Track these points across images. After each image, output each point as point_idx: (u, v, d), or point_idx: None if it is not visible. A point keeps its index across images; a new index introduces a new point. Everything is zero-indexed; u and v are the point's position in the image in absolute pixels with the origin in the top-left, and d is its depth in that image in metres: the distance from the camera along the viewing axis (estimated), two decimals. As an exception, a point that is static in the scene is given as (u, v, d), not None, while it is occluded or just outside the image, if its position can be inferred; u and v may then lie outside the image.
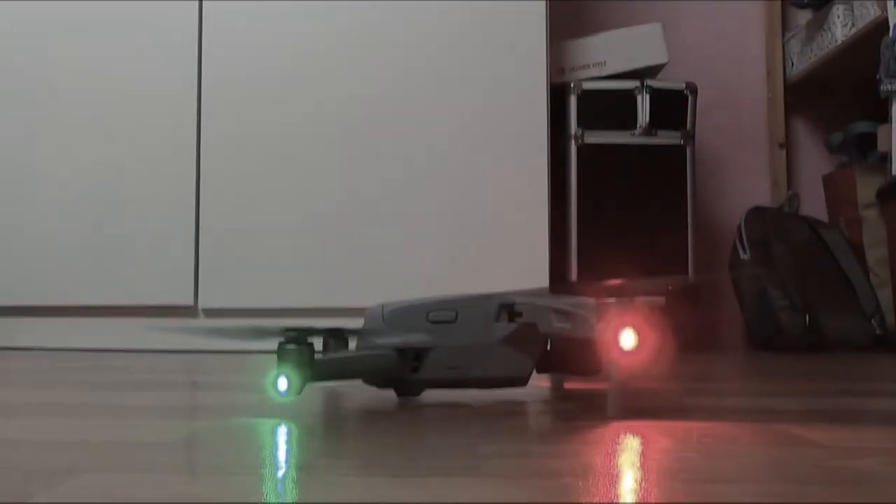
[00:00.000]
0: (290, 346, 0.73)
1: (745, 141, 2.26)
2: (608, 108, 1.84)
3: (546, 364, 0.86)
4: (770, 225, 1.98)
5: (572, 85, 1.84)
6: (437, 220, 1.70)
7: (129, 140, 1.73)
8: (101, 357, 1.51)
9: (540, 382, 1.00)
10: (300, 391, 0.73)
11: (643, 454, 0.54)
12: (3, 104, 1.76)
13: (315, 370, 0.74)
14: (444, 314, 0.79)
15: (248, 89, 1.72)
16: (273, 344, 0.77)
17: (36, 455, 0.53)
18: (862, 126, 2.02)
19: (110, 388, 0.96)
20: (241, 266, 1.70)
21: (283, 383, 0.73)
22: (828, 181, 2.13)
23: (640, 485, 0.45)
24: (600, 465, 0.50)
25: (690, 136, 1.86)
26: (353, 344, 0.82)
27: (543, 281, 1.67)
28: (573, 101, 1.84)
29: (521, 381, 0.80)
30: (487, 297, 0.79)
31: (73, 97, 1.74)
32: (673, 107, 1.86)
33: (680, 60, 2.18)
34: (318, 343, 0.77)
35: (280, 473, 0.48)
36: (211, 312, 1.71)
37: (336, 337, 0.81)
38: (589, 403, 0.82)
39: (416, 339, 0.78)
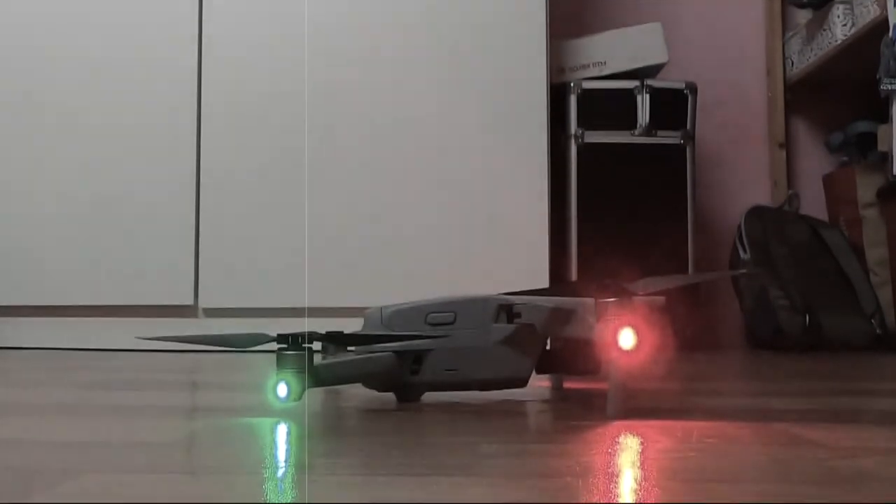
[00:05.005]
0: (289, 352, 0.73)
1: (744, 141, 2.25)
2: (608, 107, 1.84)
3: (545, 364, 0.86)
4: (770, 225, 1.98)
5: (572, 84, 1.84)
6: (436, 219, 1.70)
7: (129, 140, 1.73)
8: (101, 357, 1.51)
9: (539, 382, 1.00)
10: (300, 397, 0.73)
11: (643, 454, 0.54)
12: (2, 104, 1.76)
13: (314, 375, 0.74)
14: (442, 316, 0.78)
15: (248, 89, 1.72)
16: (272, 344, 0.77)
17: (35, 455, 0.53)
18: (862, 125, 2.02)
19: (110, 388, 0.96)
20: (241, 266, 1.70)
21: (282, 389, 0.73)
22: (828, 181, 2.13)
23: (640, 484, 0.45)
24: (600, 464, 0.50)
25: (690, 136, 1.86)
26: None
27: (543, 281, 1.67)
28: (573, 100, 1.84)
29: (521, 381, 0.80)
30: (486, 299, 0.79)
31: (73, 97, 1.74)
32: (673, 106, 1.86)
33: (680, 60, 2.18)
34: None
35: (280, 473, 0.48)
36: (211, 312, 1.71)
37: (335, 341, 0.81)
38: (588, 403, 0.82)
39: (415, 341, 0.78)
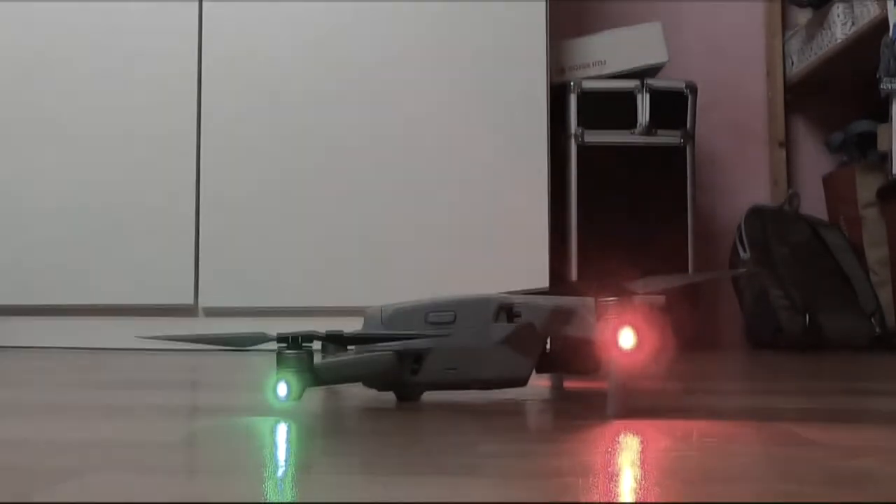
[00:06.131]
0: (289, 352, 0.73)
1: (745, 140, 2.25)
2: (608, 107, 1.84)
3: (545, 364, 0.86)
4: (770, 224, 1.98)
5: (572, 84, 1.84)
6: (436, 219, 1.70)
7: (129, 140, 1.73)
8: (101, 356, 1.51)
9: (539, 382, 1.00)
10: (300, 396, 0.73)
11: (643, 453, 0.54)
12: (2, 104, 1.76)
13: (314, 375, 0.74)
14: (442, 315, 0.78)
15: (248, 89, 1.72)
16: (272, 344, 0.77)
17: (35, 455, 0.53)
18: (862, 125, 2.02)
19: (110, 387, 0.96)
20: (241, 266, 1.70)
21: (282, 389, 0.73)
22: (828, 181, 2.13)
23: (640, 484, 0.45)
24: (600, 464, 0.50)
25: (690, 136, 1.86)
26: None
27: (543, 281, 1.67)
28: (573, 100, 1.84)
29: (521, 381, 0.80)
30: (486, 298, 0.79)
31: (72, 97, 1.74)
32: (673, 106, 1.86)
33: (680, 60, 2.18)
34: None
35: (280, 473, 0.48)
36: (211, 312, 1.71)
37: (335, 340, 0.81)
38: (588, 403, 0.82)
39: (414, 341, 0.78)
